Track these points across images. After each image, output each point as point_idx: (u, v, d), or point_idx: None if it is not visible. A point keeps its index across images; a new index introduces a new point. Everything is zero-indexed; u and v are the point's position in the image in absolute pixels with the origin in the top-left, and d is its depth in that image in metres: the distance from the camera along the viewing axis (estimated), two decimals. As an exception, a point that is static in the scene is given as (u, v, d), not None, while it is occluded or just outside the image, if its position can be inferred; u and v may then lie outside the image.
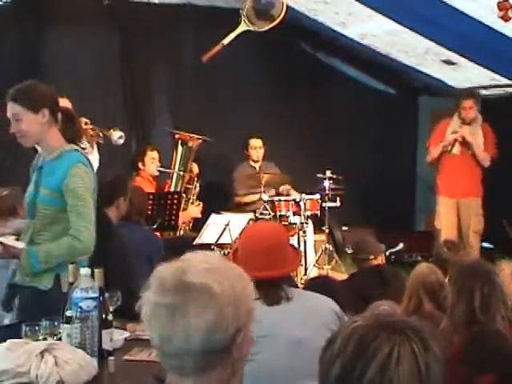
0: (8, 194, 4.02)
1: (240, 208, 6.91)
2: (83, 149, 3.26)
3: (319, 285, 3.38)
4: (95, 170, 6.06)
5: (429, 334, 1.21)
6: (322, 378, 1.22)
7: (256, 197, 6.84)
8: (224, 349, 1.37)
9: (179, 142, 6.82)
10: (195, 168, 6.89)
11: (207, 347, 1.35)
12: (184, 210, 6.48)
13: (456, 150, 6.41)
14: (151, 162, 6.54)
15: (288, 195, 6.94)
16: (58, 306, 2.72)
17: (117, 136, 5.97)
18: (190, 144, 6.80)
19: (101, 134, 5.97)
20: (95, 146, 6.06)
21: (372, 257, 4.75)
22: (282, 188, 7.10)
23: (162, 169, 6.63)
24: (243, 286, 1.43)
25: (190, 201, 6.75)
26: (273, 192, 6.97)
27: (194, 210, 6.70)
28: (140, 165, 6.54)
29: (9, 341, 2.40)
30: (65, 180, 3.02)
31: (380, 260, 4.83)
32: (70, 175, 3.02)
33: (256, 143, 7.17)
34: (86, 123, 5.92)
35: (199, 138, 6.81)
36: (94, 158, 6.08)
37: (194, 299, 1.35)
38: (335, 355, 1.19)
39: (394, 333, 1.18)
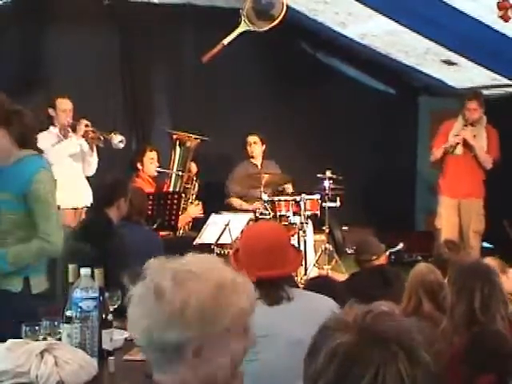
0: None
1: (232, 210, 6.89)
2: (40, 151, 3.27)
3: (319, 285, 3.37)
4: (93, 173, 6.13)
5: (417, 341, 1.17)
6: None
7: (248, 206, 6.86)
8: (175, 350, 1.39)
9: (177, 142, 6.82)
10: (194, 167, 6.89)
11: (157, 344, 1.40)
12: (184, 209, 6.47)
13: (459, 150, 6.41)
14: (150, 163, 6.54)
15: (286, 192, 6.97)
16: (28, 308, 2.85)
17: (117, 140, 5.96)
18: (189, 144, 6.81)
19: (101, 138, 5.97)
20: (95, 149, 6.06)
21: (375, 257, 4.74)
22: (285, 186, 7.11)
23: (160, 169, 6.63)
24: (214, 299, 1.40)
25: (190, 200, 6.75)
26: (271, 192, 6.97)
27: (194, 209, 6.69)
28: (138, 165, 6.54)
29: (9, 341, 2.40)
30: (30, 186, 3.08)
31: (382, 260, 4.83)
32: (36, 181, 3.09)
33: (251, 139, 7.17)
34: (86, 125, 5.91)
35: (197, 138, 6.81)
36: (93, 160, 6.10)
37: (145, 298, 1.40)
38: (317, 374, 1.17)
39: (377, 350, 1.14)
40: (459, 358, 2.62)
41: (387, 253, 5.02)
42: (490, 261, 3.85)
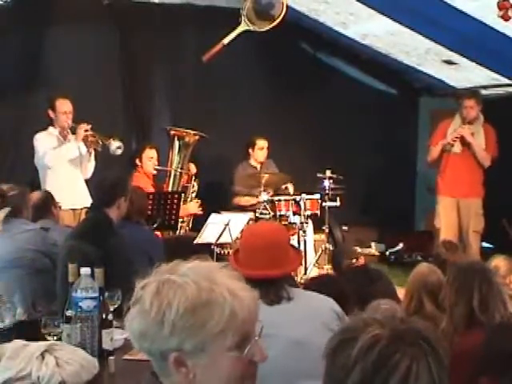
0: (15, 194, 4.00)
1: (238, 210, 6.88)
2: None
3: (323, 283, 3.35)
4: (89, 176, 6.14)
5: (438, 343, 1.25)
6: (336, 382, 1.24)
7: (253, 200, 6.85)
8: (161, 358, 1.39)
9: (175, 138, 6.82)
10: (193, 168, 6.89)
11: (143, 350, 1.41)
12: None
13: (457, 148, 6.41)
14: (149, 160, 6.55)
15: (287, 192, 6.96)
16: None
17: (115, 146, 5.96)
18: (187, 139, 6.80)
19: (100, 142, 5.98)
20: (92, 153, 6.07)
21: (354, 260, 4.76)
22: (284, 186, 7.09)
23: (159, 167, 6.63)
24: (197, 316, 1.36)
25: (189, 199, 6.75)
26: (271, 192, 6.96)
27: (193, 205, 6.69)
28: (137, 161, 6.55)
29: (8, 346, 2.37)
30: None
31: (361, 260, 4.85)
32: None
33: (264, 144, 7.16)
34: (86, 130, 5.92)
35: (196, 134, 6.81)
36: (91, 165, 6.11)
37: (133, 308, 1.41)
38: (353, 362, 1.22)
39: (410, 346, 1.22)
40: (463, 357, 2.60)
41: (387, 253, 5.03)
42: (499, 261, 3.84)
